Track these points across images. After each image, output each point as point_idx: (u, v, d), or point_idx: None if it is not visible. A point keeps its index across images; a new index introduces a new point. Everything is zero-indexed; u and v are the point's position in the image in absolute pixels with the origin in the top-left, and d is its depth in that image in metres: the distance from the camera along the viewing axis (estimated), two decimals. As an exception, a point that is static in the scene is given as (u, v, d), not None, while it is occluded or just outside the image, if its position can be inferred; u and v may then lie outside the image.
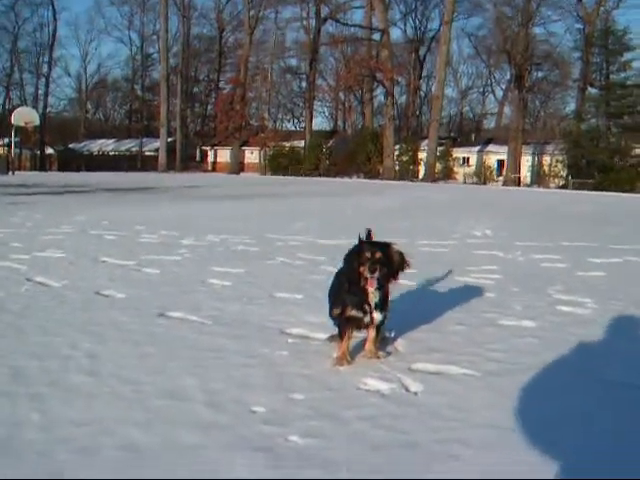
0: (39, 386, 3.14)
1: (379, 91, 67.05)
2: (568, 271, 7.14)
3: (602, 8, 55.37)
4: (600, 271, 7.21)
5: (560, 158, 52.67)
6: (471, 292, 5.65)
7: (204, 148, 78.72)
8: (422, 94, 79.72)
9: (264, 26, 72.70)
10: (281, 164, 61.33)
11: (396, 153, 56.87)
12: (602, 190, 41.60)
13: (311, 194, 24.74)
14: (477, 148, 63.64)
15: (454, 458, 2.49)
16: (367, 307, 3.55)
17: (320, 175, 56.64)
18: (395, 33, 77.14)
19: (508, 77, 65.81)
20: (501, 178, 55.19)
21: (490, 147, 62.55)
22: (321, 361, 3.59)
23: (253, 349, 3.79)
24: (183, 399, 3.02)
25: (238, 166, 64.56)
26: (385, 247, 3.63)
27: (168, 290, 5.42)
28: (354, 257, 3.56)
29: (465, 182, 54.99)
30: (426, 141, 55.80)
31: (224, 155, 70.59)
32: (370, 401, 3.06)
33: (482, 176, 55.98)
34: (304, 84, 74.01)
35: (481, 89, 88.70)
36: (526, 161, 57.09)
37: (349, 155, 59.77)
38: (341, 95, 79.95)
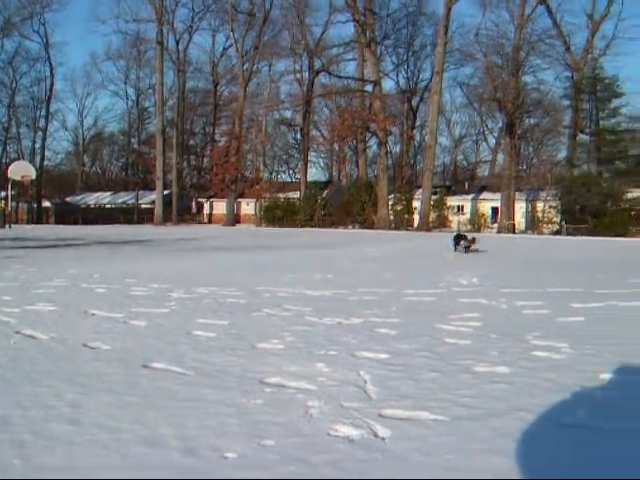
0: (22, 434, 3.27)
1: (373, 141, 67.83)
2: (549, 317, 7.28)
3: (590, 55, 56.39)
4: (580, 316, 7.35)
5: (554, 204, 53.15)
6: (449, 339, 5.79)
7: (200, 200, 79.28)
8: (416, 143, 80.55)
9: (258, 79, 73.97)
10: (276, 215, 61.64)
11: (390, 202, 57.30)
12: (596, 235, 41.93)
13: (304, 246, 24.92)
14: (471, 196, 64.25)
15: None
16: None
17: (315, 225, 56.95)
18: (388, 84, 78.07)
19: (500, 125, 66.69)
20: (495, 225, 55.50)
21: (484, 195, 63.14)
22: (294, 409, 3.71)
23: (231, 398, 3.91)
24: (160, 446, 3.14)
25: (234, 218, 64.90)
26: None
27: (153, 342, 5.55)
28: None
29: (459, 230, 55.22)
30: (420, 190, 56.21)
31: (220, 207, 70.98)
32: (338, 447, 3.18)
33: (476, 224, 56.26)
34: (299, 135, 74.76)
35: (474, 137, 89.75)
36: (520, 207, 57.61)
37: (344, 205, 60.16)
38: (335, 146, 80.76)
